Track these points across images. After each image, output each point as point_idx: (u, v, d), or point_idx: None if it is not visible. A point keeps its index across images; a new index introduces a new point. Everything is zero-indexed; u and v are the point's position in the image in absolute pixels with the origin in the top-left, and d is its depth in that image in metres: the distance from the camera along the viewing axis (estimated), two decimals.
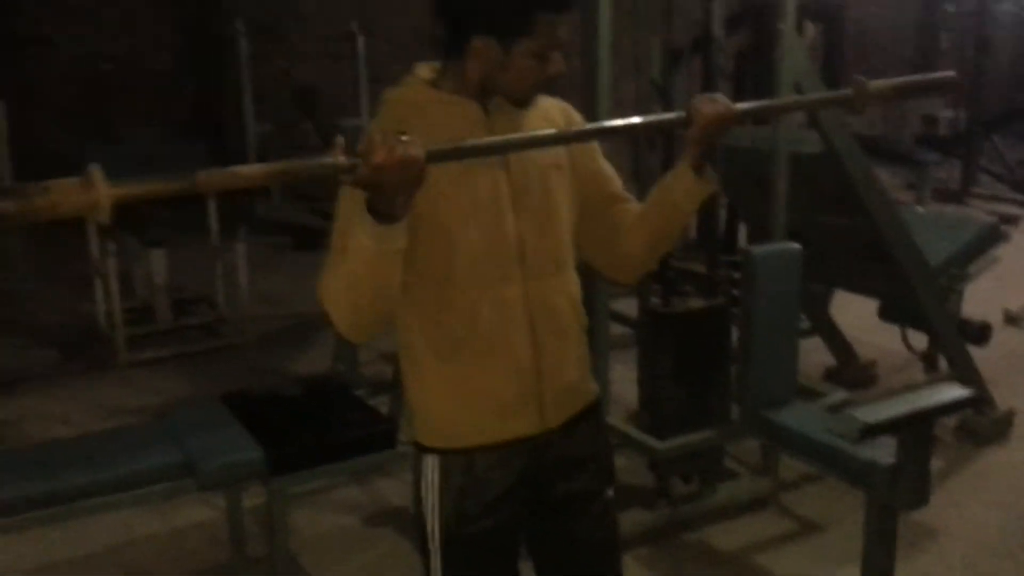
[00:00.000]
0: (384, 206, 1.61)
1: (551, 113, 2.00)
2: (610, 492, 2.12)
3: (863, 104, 2.00)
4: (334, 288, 1.76)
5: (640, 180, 4.29)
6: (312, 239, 8.06)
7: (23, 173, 7.74)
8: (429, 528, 1.99)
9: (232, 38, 9.31)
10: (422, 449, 2.01)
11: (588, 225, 2.05)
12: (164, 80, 9.69)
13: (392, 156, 1.55)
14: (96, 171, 1.39)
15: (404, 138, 1.57)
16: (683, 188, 1.94)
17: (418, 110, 1.87)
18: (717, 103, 1.87)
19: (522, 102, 1.90)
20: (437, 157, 1.64)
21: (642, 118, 1.94)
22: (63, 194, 1.38)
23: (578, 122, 2.04)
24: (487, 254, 1.88)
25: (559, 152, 1.97)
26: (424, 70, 1.94)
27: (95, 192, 1.38)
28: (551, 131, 1.91)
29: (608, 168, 2.09)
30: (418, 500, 2.02)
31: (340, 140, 1.59)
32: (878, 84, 2.01)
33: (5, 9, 8.85)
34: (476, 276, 1.88)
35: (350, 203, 1.72)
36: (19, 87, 8.43)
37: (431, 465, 1.98)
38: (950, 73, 2.26)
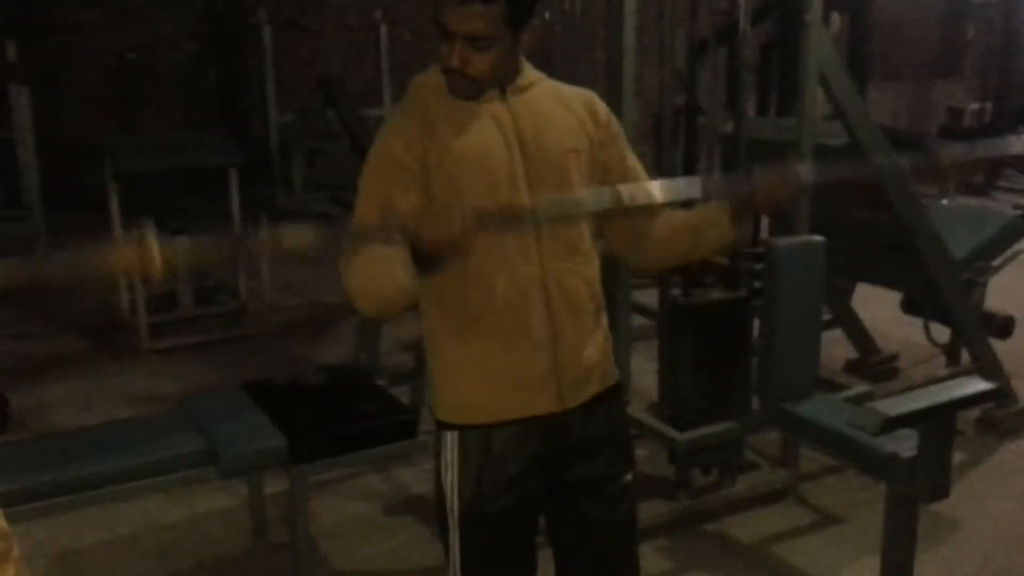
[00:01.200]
0: (432, 268, 1.72)
1: (569, 101, 2.01)
2: (628, 477, 2.13)
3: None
4: (356, 282, 1.80)
5: (662, 172, 4.28)
6: None
7: (47, 158, 7.80)
8: (448, 505, 2.02)
9: (256, 28, 9.35)
10: (442, 426, 2.03)
11: (607, 220, 2.05)
12: (188, 69, 9.73)
13: (449, 233, 1.64)
14: (149, 232, 1.48)
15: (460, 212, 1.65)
16: (717, 234, 1.99)
17: (442, 92, 1.90)
18: (783, 179, 1.88)
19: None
20: (488, 225, 1.72)
21: (704, 183, 2.00)
22: (118, 254, 1.49)
23: (602, 113, 2.04)
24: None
25: (578, 137, 1.98)
26: None
27: (148, 255, 1.47)
28: (585, 199, 1.94)
29: (638, 174, 2.08)
30: (438, 476, 2.04)
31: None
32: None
33: None
34: (493, 253, 1.88)
35: (374, 181, 1.85)
36: (45, 74, 8.48)
37: (450, 441, 2.00)
38: None
